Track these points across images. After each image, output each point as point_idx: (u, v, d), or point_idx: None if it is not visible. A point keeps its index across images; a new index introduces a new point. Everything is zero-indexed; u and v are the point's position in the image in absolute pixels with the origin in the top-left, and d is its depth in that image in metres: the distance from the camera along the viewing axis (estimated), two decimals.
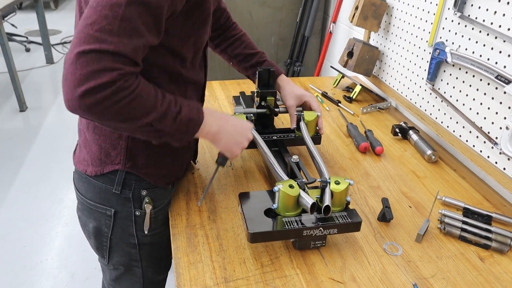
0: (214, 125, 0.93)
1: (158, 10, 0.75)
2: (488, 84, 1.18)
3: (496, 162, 1.18)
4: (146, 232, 1.05)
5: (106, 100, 0.72)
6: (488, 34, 1.17)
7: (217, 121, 0.94)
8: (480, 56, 1.20)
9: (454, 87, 1.33)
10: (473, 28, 1.22)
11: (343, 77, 1.85)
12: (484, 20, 1.18)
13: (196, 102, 0.93)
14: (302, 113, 1.24)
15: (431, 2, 1.41)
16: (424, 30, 1.46)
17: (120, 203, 1.01)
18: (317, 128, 1.26)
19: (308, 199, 0.88)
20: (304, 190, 0.92)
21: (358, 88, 1.71)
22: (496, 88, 1.16)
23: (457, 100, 1.32)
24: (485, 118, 1.20)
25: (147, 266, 1.13)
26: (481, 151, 1.23)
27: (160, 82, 0.89)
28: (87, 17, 0.72)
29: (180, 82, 0.96)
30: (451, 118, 1.36)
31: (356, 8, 1.68)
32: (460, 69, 1.29)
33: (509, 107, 1.11)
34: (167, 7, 0.77)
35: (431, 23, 1.41)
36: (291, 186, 0.90)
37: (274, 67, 1.30)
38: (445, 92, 1.37)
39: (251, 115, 1.24)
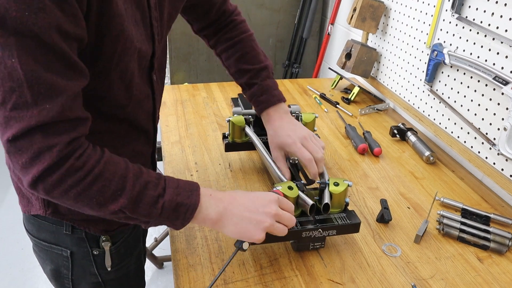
0: (212, 209, 0.75)
1: (60, 51, 0.60)
2: (486, 85, 1.19)
3: (494, 163, 1.18)
4: (109, 269, 0.94)
5: (59, 184, 0.63)
6: (485, 36, 1.17)
7: (218, 203, 0.76)
8: (478, 57, 1.21)
9: (452, 89, 1.33)
10: (470, 30, 1.23)
11: (341, 78, 1.85)
12: (481, 22, 1.18)
13: (193, 182, 0.76)
14: (301, 114, 1.24)
15: (428, 4, 1.41)
16: (422, 31, 1.46)
17: (74, 243, 0.89)
18: (315, 129, 1.26)
19: (308, 200, 0.88)
20: (303, 191, 0.92)
21: (356, 90, 1.72)
22: (494, 89, 1.16)
23: (455, 101, 1.32)
24: (483, 119, 1.21)
25: None
26: (479, 152, 1.23)
27: (96, 128, 0.73)
28: None
29: (120, 122, 0.81)
30: (449, 119, 1.36)
31: (354, 9, 1.69)
32: (458, 70, 1.30)
33: (507, 108, 1.12)
34: (67, 43, 0.61)
35: (429, 25, 1.42)
36: (290, 188, 0.90)
37: (269, 92, 1.04)
38: (443, 94, 1.38)
39: (249, 116, 1.24)
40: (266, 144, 1.14)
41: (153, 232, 2.40)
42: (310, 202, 0.87)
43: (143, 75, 0.83)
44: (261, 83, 1.06)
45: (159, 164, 1.14)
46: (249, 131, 1.18)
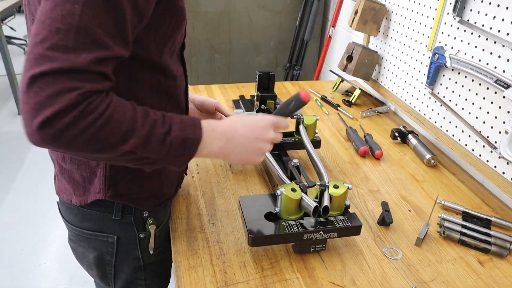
0: (215, 144, 0.78)
1: (121, 17, 0.65)
2: (487, 88, 1.19)
3: (495, 166, 1.18)
4: (151, 253, 1.00)
5: (69, 128, 0.61)
6: (487, 39, 1.17)
7: (221, 136, 0.79)
8: (479, 60, 1.21)
9: (453, 92, 1.33)
10: (472, 33, 1.23)
11: (342, 81, 1.85)
12: (483, 25, 1.18)
13: (194, 117, 0.78)
14: (302, 117, 1.25)
15: (430, 7, 1.41)
16: (423, 34, 1.46)
17: (122, 228, 0.94)
18: (316, 131, 1.27)
19: (311, 203, 0.88)
20: (305, 193, 0.92)
21: (357, 92, 1.72)
22: (495, 92, 1.16)
23: (456, 105, 1.32)
24: (484, 122, 1.21)
25: (150, 283, 1.07)
26: (480, 155, 1.23)
27: (140, 97, 0.81)
28: (36, 34, 0.60)
29: (161, 93, 0.86)
30: (450, 122, 1.36)
31: (356, 12, 1.69)
32: (459, 73, 1.30)
33: (508, 112, 1.12)
34: (131, 13, 0.66)
35: (430, 28, 1.42)
36: (293, 190, 0.90)
37: None
38: (444, 97, 1.38)
39: None
40: None
41: None
42: (314, 204, 0.88)
43: (179, 53, 0.90)
44: None
45: None
46: None
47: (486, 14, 1.17)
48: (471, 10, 1.23)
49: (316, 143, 1.27)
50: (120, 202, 0.91)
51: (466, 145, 1.29)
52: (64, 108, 0.60)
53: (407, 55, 1.57)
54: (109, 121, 0.64)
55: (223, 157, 0.82)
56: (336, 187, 0.93)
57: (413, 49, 1.53)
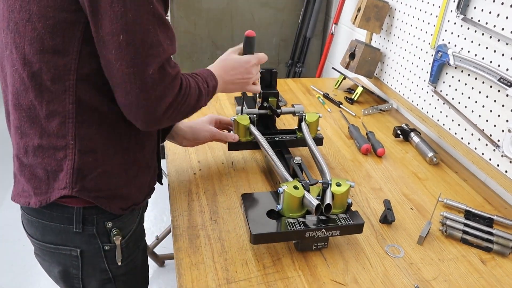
0: (220, 86, 1.02)
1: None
2: (491, 86, 1.18)
3: (498, 165, 1.18)
4: (119, 264, 0.95)
5: (181, 105, 0.82)
6: (490, 37, 1.17)
7: (220, 76, 1.02)
8: (483, 58, 1.20)
9: (456, 90, 1.33)
10: (475, 31, 1.22)
11: (344, 78, 1.85)
12: (486, 23, 1.18)
13: (205, 69, 1.00)
14: (304, 114, 1.24)
15: (433, 4, 1.41)
16: (426, 32, 1.46)
17: (84, 241, 0.90)
18: (318, 129, 1.27)
19: (313, 200, 0.88)
20: (308, 191, 0.92)
21: (359, 90, 1.71)
22: (499, 90, 1.16)
23: (459, 103, 1.32)
24: (487, 120, 1.21)
25: None
26: (483, 154, 1.23)
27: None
28: (128, 44, 0.72)
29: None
30: (453, 120, 1.36)
31: (358, 9, 1.69)
32: (462, 71, 1.29)
33: (511, 110, 1.11)
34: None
35: (434, 25, 1.41)
36: (295, 187, 0.90)
37: None
38: (447, 95, 1.37)
39: (254, 115, 1.24)
40: (270, 143, 1.14)
41: (155, 230, 2.40)
42: (316, 202, 0.87)
43: None
44: None
45: (162, 163, 1.14)
46: (254, 130, 1.18)
47: (490, 12, 1.16)
48: (474, 7, 1.22)
49: (318, 141, 1.27)
50: (80, 208, 0.87)
51: (468, 143, 1.29)
52: (178, 90, 0.80)
53: (410, 52, 1.56)
54: (191, 91, 0.85)
55: (226, 91, 1.07)
56: (338, 185, 0.93)
57: (416, 47, 1.52)
